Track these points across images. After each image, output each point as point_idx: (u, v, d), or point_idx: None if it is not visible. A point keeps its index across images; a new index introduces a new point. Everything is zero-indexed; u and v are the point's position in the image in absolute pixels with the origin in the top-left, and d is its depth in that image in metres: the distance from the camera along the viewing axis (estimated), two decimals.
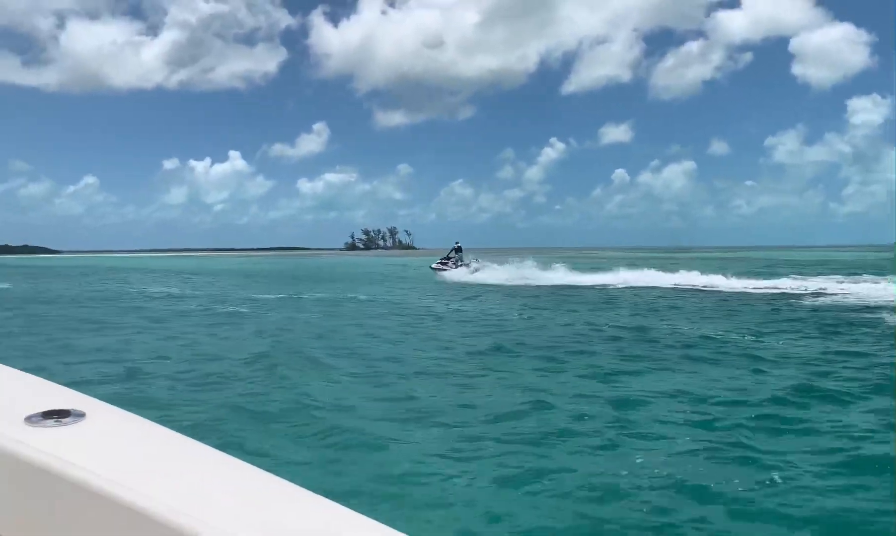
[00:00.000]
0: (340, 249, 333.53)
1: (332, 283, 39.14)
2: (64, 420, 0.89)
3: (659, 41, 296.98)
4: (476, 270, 39.25)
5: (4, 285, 38.97)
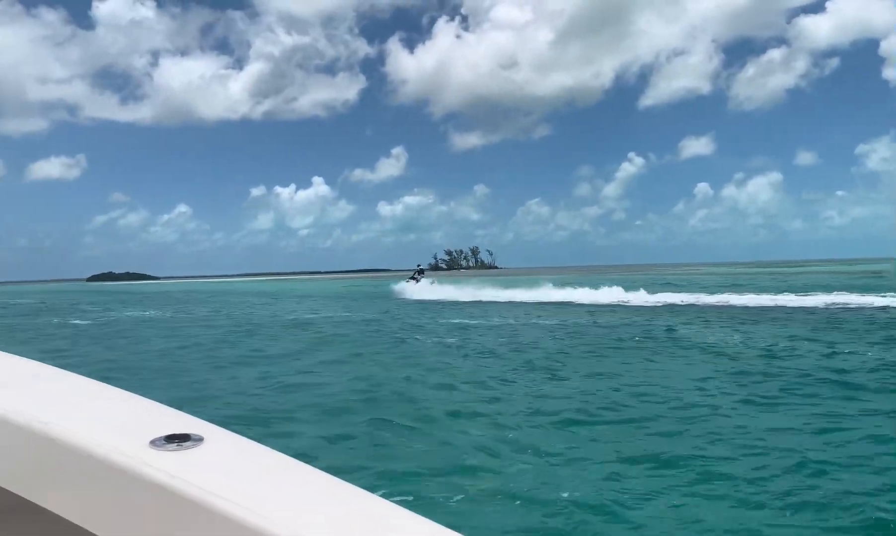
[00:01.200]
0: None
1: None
2: (184, 443, 0.95)
3: (739, 51, 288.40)
4: (433, 283, 54.93)
5: (151, 312, 40.34)
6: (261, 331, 24.77)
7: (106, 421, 1.04)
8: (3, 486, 1.03)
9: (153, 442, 0.95)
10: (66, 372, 1.32)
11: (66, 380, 1.28)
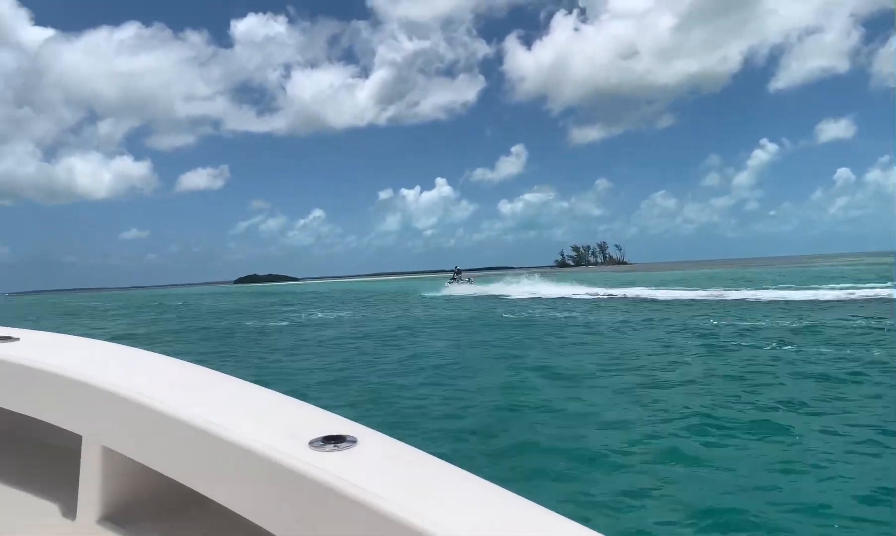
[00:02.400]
0: (550, 267, 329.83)
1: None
2: (340, 444, 1.00)
3: (880, 24, 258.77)
4: (470, 282, 64.64)
5: (346, 312, 38.07)
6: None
7: (268, 423, 1.10)
8: (181, 481, 1.12)
9: (312, 443, 1.00)
10: (228, 376, 1.39)
11: (229, 384, 1.36)
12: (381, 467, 0.96)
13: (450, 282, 66.98)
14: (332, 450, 0.99)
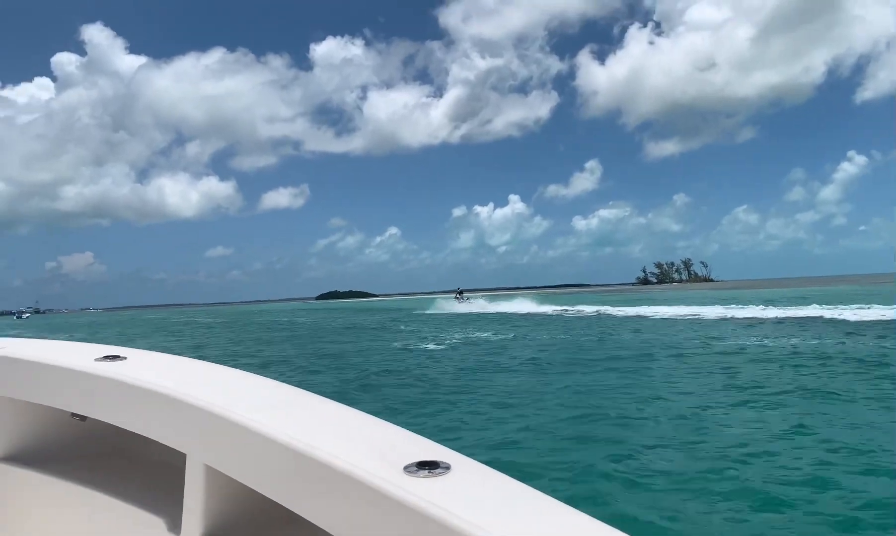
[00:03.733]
0: (632, 284, 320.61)
1: None
2: (434, 470, 1.00)
3: None
4: (469, 301, 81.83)
5: (495, 334, 35.71)
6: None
7: (364, 446, 1.11)
8: (279, 501, 1.15)
9: (406, 468, 1.01)
10: (323, 398, 1.40)
11: (324, 405, 1.38)
12: (476, 494, 0.96)
13: (455, 299, 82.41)
14: (427, 476, 0.99)
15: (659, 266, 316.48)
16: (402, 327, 44.44)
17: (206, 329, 56.95)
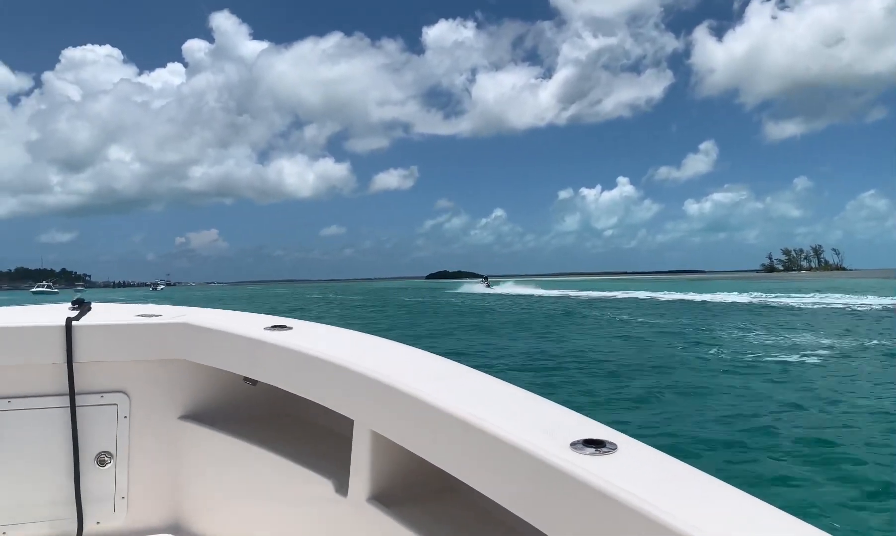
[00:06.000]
0: (756, 271, 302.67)
1: None
2: (601, 449, 1.01)
3: None
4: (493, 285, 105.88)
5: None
6: None
7: (530, 422, 1.13)
8: (443, 468, 1.20)
9: (573, 445, 1.02)
10: (486, 374, 1.43)
11: (483, 379, 1.40)
12: (644, 473, 0.96)
13: (480, 283, 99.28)
14: (593, 454, 1.00)
15: (786, 253, 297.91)
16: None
17: (347, 308, 56.51)
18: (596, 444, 1.02)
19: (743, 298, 54.04)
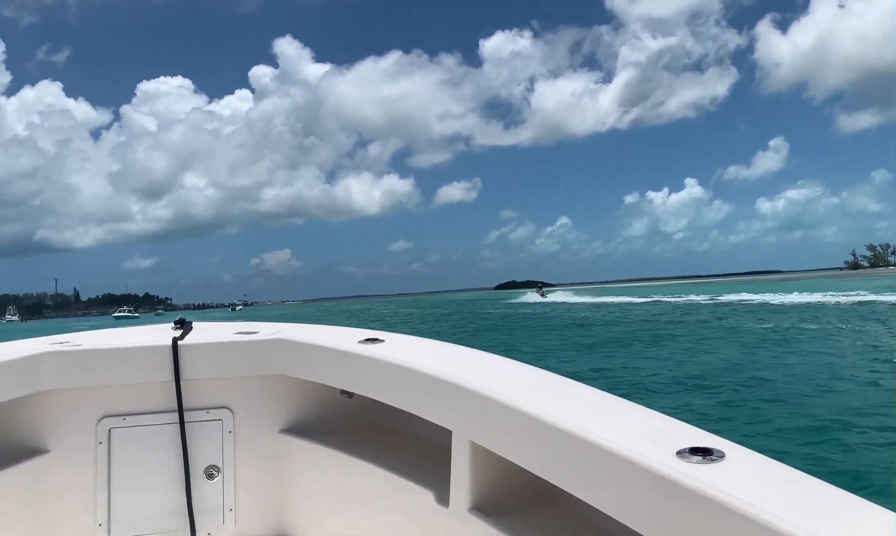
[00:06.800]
0: (840, 269, 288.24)
1: None
2: (708, 456, 1.00)
3: None
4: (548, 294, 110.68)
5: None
6: None
7: (633, 431, 1.12)
8: (545, 478, 1.20)
9: (679, 453, 1.01)
10: (583, 384, 1.42)
11: (582, 389, 1.40)
12: (756, 481, 0.94)
13: (535, 292, 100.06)
14: (700, 462, 0.99)
15: (871, 248, 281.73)
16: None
17: (428, 321, 56.41)
18: (703, 452, 1.01)
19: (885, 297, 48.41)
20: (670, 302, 63.52)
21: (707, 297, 62.52)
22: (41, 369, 1.79)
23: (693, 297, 67.80)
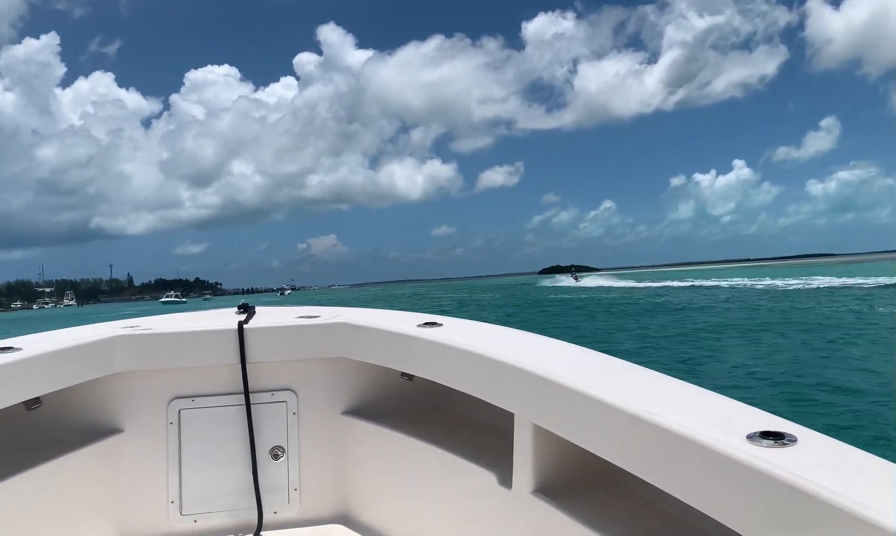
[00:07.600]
0: None
1: None
2: (780, 440, 0.99)
3: None
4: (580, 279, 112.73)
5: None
6: None
7: (701, 415, 1.11)
8: (610, 460, 1.20)
9: (749, 437, 1.01)
10: (647, 369, 1.41)
11: (643, 373, 1.40)
12: (830, 465, 0.93)
13: (569, 276, 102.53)
14: (772, 446, 0.98)
15: None
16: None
17: (483, 308, 55.75)
18: (774, 436, 1.00)
19: None
20: (752, 286, 60.69)
21: (799, 281, 57.81)
22: (115, 352, 1.87)
23: (770, 281, 63.59)
